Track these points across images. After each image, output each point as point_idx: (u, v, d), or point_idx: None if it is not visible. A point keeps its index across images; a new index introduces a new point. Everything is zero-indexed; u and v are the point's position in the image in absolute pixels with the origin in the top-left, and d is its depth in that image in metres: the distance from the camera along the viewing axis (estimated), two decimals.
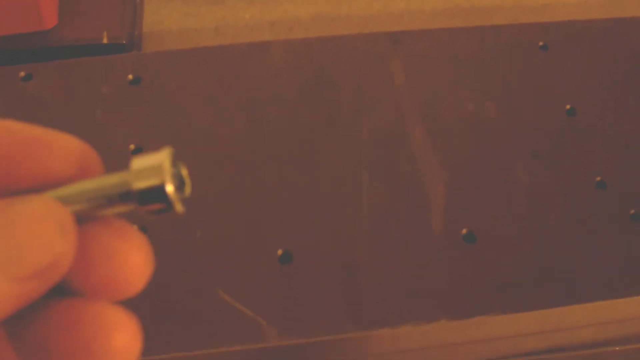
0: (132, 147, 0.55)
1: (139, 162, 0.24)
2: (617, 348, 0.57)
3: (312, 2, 0.78)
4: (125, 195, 0.24)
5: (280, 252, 0.51)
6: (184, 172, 0.25)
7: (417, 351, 0.52)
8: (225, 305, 0.49)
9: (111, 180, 0.24)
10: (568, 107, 0.60)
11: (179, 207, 0.24)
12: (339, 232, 0.53)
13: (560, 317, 0.52)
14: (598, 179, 0.56)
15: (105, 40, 0.66)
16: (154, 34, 0.74)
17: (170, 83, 0.59)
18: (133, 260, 0.25)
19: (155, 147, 0.56)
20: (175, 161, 0.24)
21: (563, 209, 0.55)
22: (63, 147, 0.25)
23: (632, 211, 0.55)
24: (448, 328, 0.50)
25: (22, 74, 0.59)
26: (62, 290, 0.24)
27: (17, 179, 0.24)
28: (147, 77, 0.59)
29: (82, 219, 0.24)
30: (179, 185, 0.24)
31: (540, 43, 0.64)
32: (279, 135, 0.57)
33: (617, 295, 0.52)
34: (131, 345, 0.24)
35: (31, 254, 0.22)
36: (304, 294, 0.50)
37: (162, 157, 0.24)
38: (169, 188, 0.24)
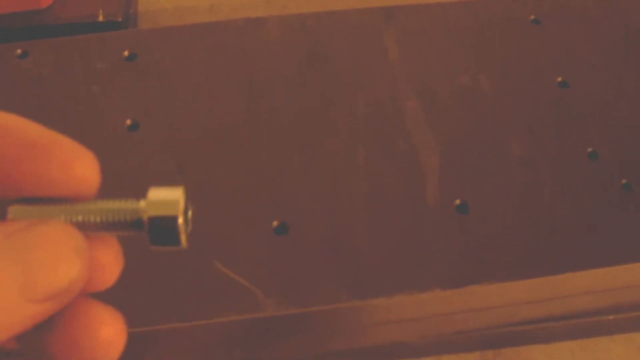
0: (128, 122, 0.56)
1: (155, 194, 0.26)
2: (611, 317, 0.58)
3: None
4: (136, 222, 0.25)
5: (275, 223, 0.52)
6: (190, 213, 0.26)
7: (412, 321, 0.53)
8: (221, 277, 0.50)
9: (125, 206, 0.26)
10: (560, 79, 0.61)
11: (184, 241, 0.26)
12: (334, 203, 0.54)
13: (554, 286, 0.53)
14: (590, 149, 0.57)
15: (101, 18, 0.66)
16: (149, 12, 0.75)
17: (165, 59, 0.60)
18: (104, 258, 0.26)
19: (151, 122, 0.56)
20: (187, 200, 0.26)
21: (556, 180, 0.56)
22: (62, 153, 0.25)
23: (624, 181, 0.55)
24: (442, 297, 0.51)
25: (19, 51, 0.60)
26: None
27: (13, 181, 0.25)
28: (143, 54, 0.60)
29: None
30: (186, 223, 0.26)
31: (532, 17, 0.65)
32: (275, 110, 0.58)
33: (610, 263, 0.52)
34: (117, 339, 0.26)
35: (48, 277, 0.23)
36: (300, 265, 0.51)
37: (177, 194, 0.26)
38: (180, 221, 0.25)
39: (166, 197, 0.25)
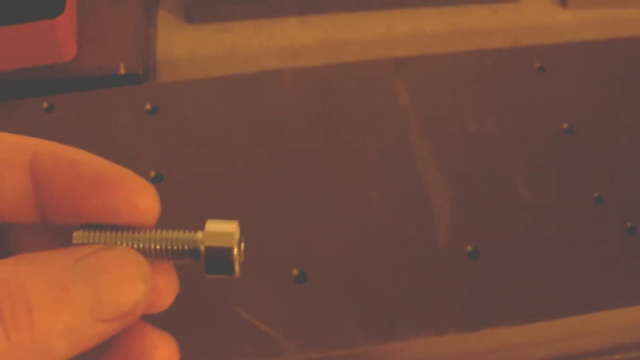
0: (152, 174, 0.58)
1: (212, 226, 0.27)
2: (618, 356, 0.60)
3: (317, 28, 0.81)
4: (193, 252, 0.27)
5: (295, 272, 0.54)
6: (243, 245, 0.28)
7: None
8: (243, 322, 0.52)
9: (184, 236, 0.27)
10: (566, 125, 0.63)
11: (237, 270, 0.28)
12: (349, 249, 0.56)
13: (563, 327, 0.55)
14: (595, 194, 0.59)
15: (122, 71, 0.69)
16: (166, 61, 0.77)
17: (186, 111, 0.62)
18: (160, 282, 0.28)
19: (174, 173, 0.59)
20: (241, 233, 0.28)
21: (563, 223, 0.58)
22: (127, 186, 0.27)
23: (629, 224, 0.57)
24: (456, 340, 0.53)
25: (45, 105, 0.62)
26: None
27: (80, 211, 0.27)
28: (164, 106, 0.62)
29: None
30: (239, 254, 0.28)
31: (538, 65, 0.67)
32: (291, 158, 0.60)
33: (616, 305, 0.54)
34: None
35: (116, 299, 0.25)
36: (319, 310, 0.53)
37: (233, 226, 0.27)
38: (235, 252, 0.27)
39: (222, 229, 0.27)
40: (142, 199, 0.27)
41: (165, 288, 0.28)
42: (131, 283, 0.26)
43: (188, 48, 0.79)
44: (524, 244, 0.56)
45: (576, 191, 0.59)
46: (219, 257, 0.27)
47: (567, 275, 0.55)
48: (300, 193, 0.58)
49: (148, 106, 0.62)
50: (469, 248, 0.56)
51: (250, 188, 0.58)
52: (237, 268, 0.27)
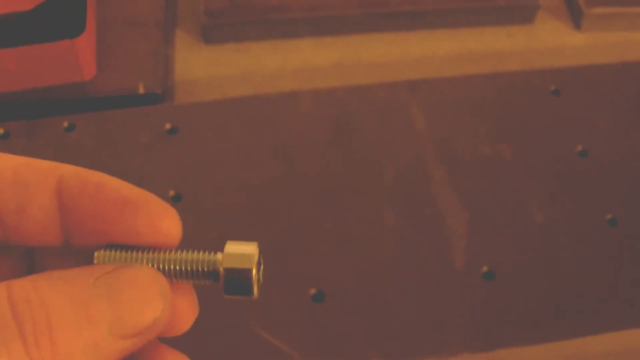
0: (172, 193, 0.59)
1: (232, 248, 0.28)
2: None
3: (333, 49, 0.82)
4: (212, 273, 0.28)
5: (313, 291, 0.55)
6: (262, 267, 0.29)
7: None
8: (261, 341, 0.53)
9: (204, 257, 0.28)
10: (580, 148, 0.64)
11: (256, 292, 0.28)
12: (365, 269, 0.56)
13: (576, 348, 0.55)
14: (609, 216, 0.60)
15: (141, 91, 0.70)
16: (184, 82, 0.78)
17: (205, 132, 0.63)
18: (181, 304, 0.29)
19: (193, 193, 0.59)
20: (260, 255, 0.28)
21: (576, 246, 0.58)
22: (151, 210, 0.27)
23: None
24: (470, 357, 0.54)
25: (65, 124, 0.63)
26: None
27: (104, 233, 0.27)
28: (184, 127, 0.63)
29: None
30: (258, 276, 0.28)
31: (552, 88, 0.68)
32: (309, 179, 0.61)
33: (629, 326, 0.55)
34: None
35: (135, 316, 0.26)
36: (335, 329, 0.53)
37: (252, 248, 0.28)
38: (254, 274, 0.28)
39: (242, 251, 0.28)
40: (165, 223, 0.28)
41: (185, 310, 0.29)
42: (150, 300, 0.26)
43: (205, 68, 0.80)
44: (538, 266, 0.57)
45: (590, 213, 0.60)
46: (237, 279, 0.28)
47: (580, 296, 0.56)
48: (317, 213, 0.59)
49: (167, 126, 0.63)
50: (485, 269, 0.56)
51: (268, 208, 0.59)
52: (255, 289, 0.28)
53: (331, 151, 0.63)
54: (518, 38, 0.84)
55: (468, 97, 0.67)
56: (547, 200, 0.60)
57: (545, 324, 0.54)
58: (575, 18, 0.84)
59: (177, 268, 0.28)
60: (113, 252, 0.28)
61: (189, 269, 0.28)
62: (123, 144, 0.62)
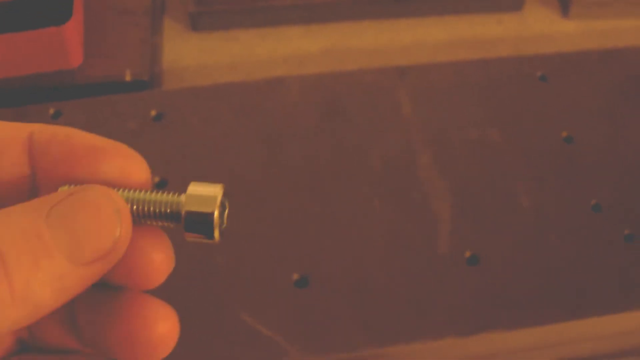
0: (157, 179, 0.59)
1: (195, 190, 0.27)
2: None
3: (323, 36, 0.82)
4: (174, 214, 0.27)
5: (296, 276, 0.55)
6: (227, 210, 0.28)
7: None
8: (246, 326, 0.53)
9: (166, 198, 0.27)
10: (565, 134, 0.64)
11: (217, 235, 0.27)
12: (351, 254, 0.56)
13: (561, 332, 0.55)
14: (594, 202, 0.60)
15: (128, 78, 0.70)
16: (173, 70, 0.78)
17: (191, 118, 0.63)
18: (156, 257, 0.28)
19: (178, 179, 0.59)
20: (225, 197, 0.28)
21: (561, 231, 0.58)
22: (117, 156, 0.28)
23: (626, 232, 0.58)
24: (456, 345, 0.54)
25: (52, 111, 0.63)
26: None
27: (74, 178, 0.27)
28: (170, 113, 0.63)
29: None
30: (221, 219, 0.27)
31: (539, 74, 0.68)
32: (295, 165, 0.61)
33: (613, 311, 0.55)
34: (171, 334, 0.28)
35: (94, 240, 0.25)
36: (321, 314, 0.54)
37: (216, 190, 0.27)
38: (215, 217, 0.27)
39: (205, 193, 0.27)
40: (133, 167, 0.28)
41: (160, 262, 0.28)
42: (107, 221, 0.25)
43: (194, 56, 0.80)
44: (523, 251, 0.57)
45: (575, 199, 0.60)
46: (199, 221, 0.27)
47: (565, 281, 0.56)
48: (303, 199, 0.59)
49: (153, 113, 0.63)
50: (468, 254, 0.56)
51: (255, 194, 0.59)
52: (216, 233, 0.27)
53: (319, 137, 0.63)
54: (507, 25, 0.84)
55: (456, 83, 0.67)
56: (532, 185, 0.61)
57: (530, 308, 0.54)
58: (564, 5, 0.84)
59: (142, 208, 0.27)
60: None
61: (152, 209, 0.27)
62: (110, 130, 0.62)
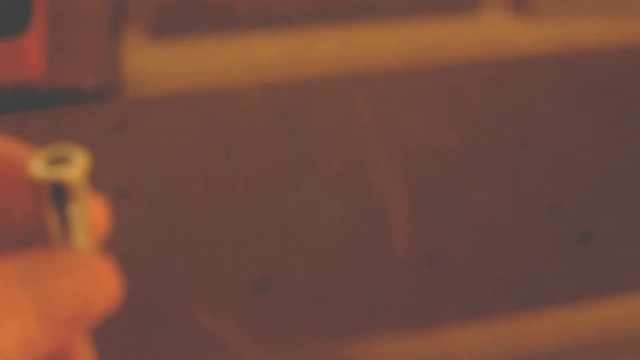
0: (118, 188, 0.59)
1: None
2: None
3: (284, 44, 0.83)
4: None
5: (255, 280, 0.56)
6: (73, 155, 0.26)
7: None
8: (205, 330, 0.53)
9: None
10: (523, 137, 0.65)
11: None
12: (311, 258, 0.57)
13: (517, 328, 0.56)
14: (550, 203, 0.61)
15: (90, 88, 0.70)
16: (134, 79, 0.78)
17: (153, 127, 0.64)
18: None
19: (139, 188, 0.59)
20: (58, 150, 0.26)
21: (519, 231, 0.59)
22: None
23: (581, 231, 0.59)
24: (415, 344, 0.55)
25: (14, 122, 0.64)
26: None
27: None
28: (131, 123, 0.64)
29: None
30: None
31: (496, 79, 0.69)
32: (255, 171, 0.62)
33: (568, 303, 0.56)
34: (113, 291, 0.28)
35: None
36: (280, 316, 0.54)
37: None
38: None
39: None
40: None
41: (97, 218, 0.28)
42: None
43: (156, 65, 0.80)
44: (480, 250, 0.58)
45: (532, 200, 0.61)
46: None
47: (521, 279, 0.57)
48: (263, 204, 0.60)
49: (115, 123, 0.63)
50: (427, 254, 0.57)
51: (215, 201, 0.60)
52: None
53: (278, 143, 0.63)
54: (464, 30, 0.85)
55: (413, 89, 0.68)
56: (490, 188, 0.62)
57: (487, 306, 0.55)
58: (521, 8, 0.85)
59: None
60: None
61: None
62: (70, 140, 0.62)
